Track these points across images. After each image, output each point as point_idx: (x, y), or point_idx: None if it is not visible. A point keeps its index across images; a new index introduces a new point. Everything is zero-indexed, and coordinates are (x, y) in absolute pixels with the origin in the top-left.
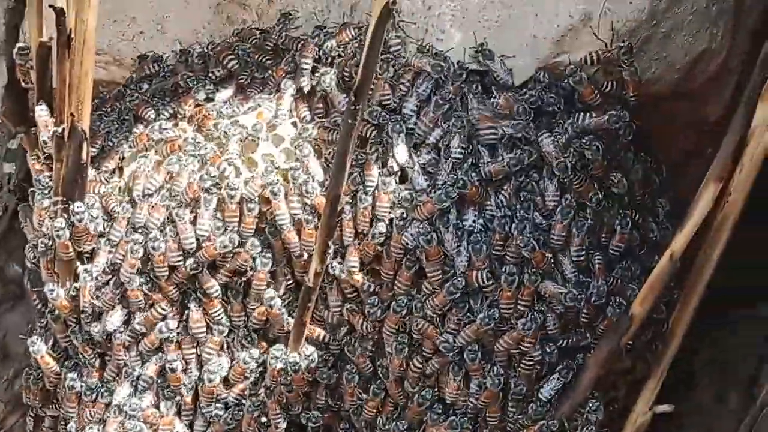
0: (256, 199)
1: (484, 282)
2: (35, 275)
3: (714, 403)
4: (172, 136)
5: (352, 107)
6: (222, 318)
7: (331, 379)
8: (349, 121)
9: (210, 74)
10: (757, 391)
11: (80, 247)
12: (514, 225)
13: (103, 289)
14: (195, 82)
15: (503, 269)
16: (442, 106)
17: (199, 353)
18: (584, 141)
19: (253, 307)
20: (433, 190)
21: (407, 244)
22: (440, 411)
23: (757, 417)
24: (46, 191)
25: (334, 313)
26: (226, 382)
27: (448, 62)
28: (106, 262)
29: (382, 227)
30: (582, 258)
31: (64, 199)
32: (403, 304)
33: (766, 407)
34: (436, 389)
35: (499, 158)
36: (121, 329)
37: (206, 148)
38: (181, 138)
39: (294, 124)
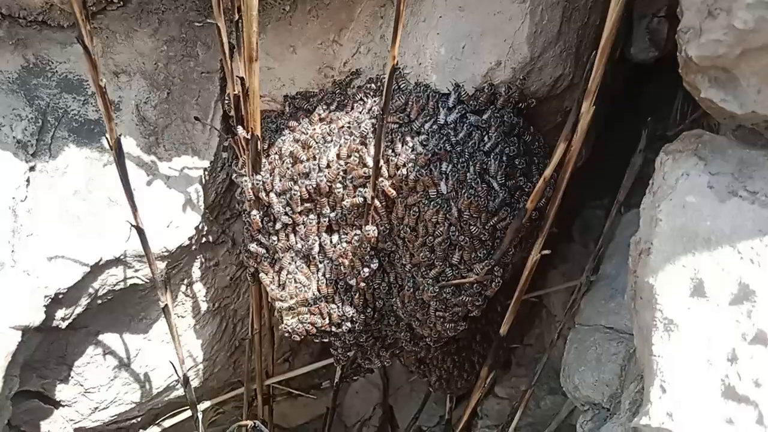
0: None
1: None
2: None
3: (580, 247)
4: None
5: (380, 119)
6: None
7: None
8: (380, 125)
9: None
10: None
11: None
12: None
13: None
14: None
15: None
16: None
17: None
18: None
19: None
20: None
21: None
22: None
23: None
24: (241, 170)
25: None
26: None
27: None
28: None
29: (403, 171)
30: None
31: (252, 172)
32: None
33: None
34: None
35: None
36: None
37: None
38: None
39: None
